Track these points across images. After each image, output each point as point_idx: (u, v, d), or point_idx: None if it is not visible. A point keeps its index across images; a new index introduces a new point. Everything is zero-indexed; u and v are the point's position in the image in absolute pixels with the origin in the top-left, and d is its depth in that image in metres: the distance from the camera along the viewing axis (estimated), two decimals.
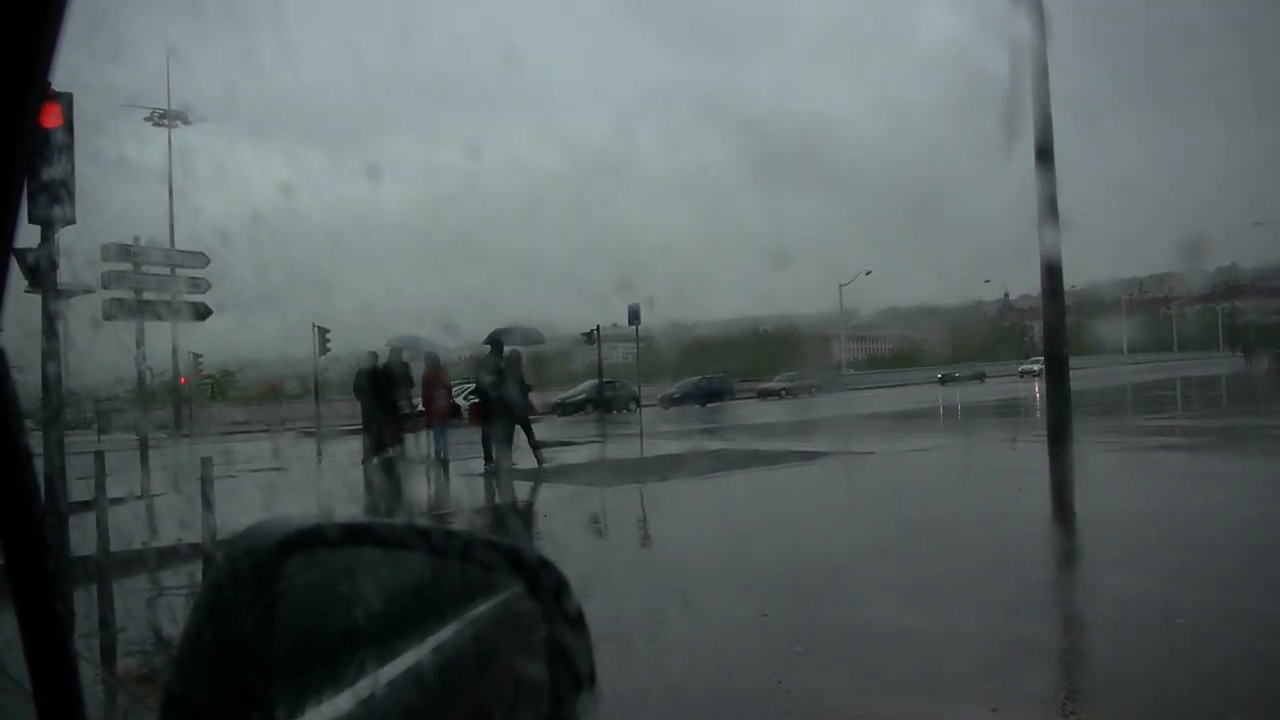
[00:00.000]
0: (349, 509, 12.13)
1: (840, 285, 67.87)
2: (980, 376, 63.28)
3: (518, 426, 14.65)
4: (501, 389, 14.13)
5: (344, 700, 1.02)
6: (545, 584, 1.13)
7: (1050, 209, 12.91)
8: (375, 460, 15.15)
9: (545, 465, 14.62)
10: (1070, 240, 13.24)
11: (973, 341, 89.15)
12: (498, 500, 12.00)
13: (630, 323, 23.67)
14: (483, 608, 1.26)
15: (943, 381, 59.34)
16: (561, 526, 9.90)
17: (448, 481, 14.11)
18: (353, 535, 1.07)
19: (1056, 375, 13.55)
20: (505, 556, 1.16)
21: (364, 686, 1.06)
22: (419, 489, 13.30)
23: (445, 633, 1.19)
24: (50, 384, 5.87)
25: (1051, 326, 14.08)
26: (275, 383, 35.54)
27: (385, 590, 1.16)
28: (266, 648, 0.86)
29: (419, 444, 15.94)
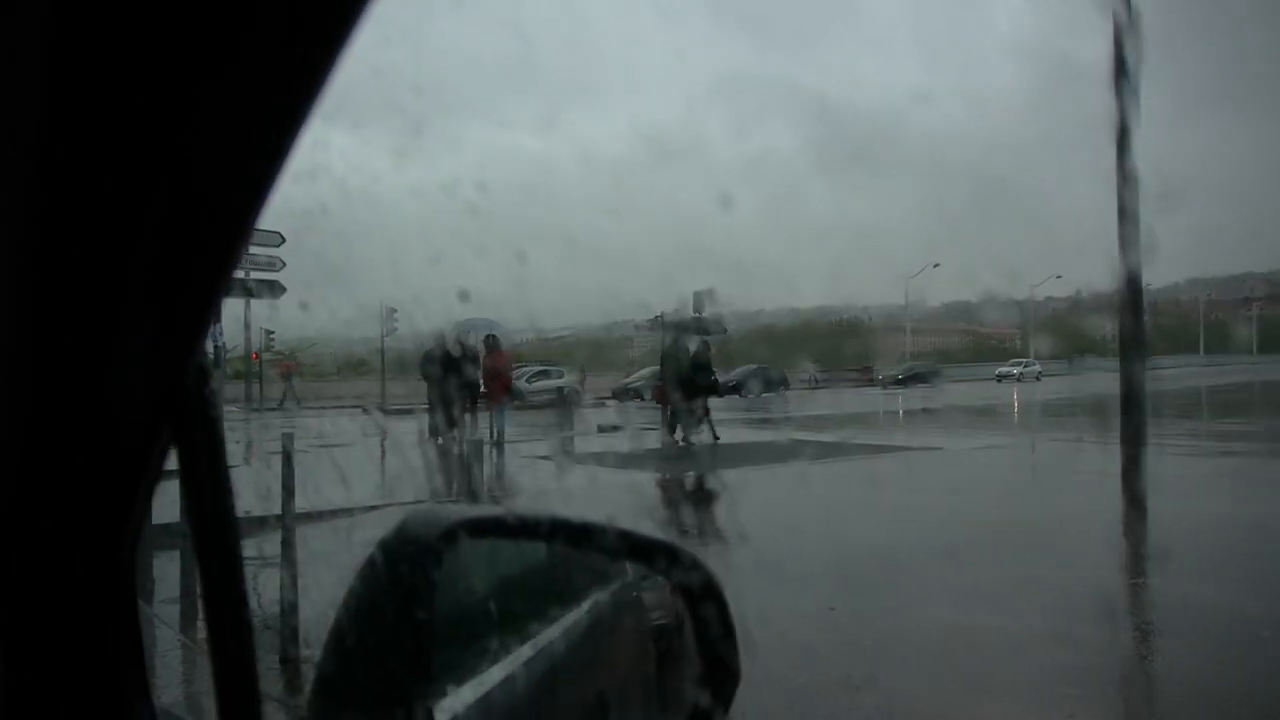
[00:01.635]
0: (415, 488, 12.34)
1: (908, 278, 66.99)
2: (927, 377, 51.77)
3: (701, 402, 16.27)
4: (689, 372, 15.94)
5: (470, 689, 1.04)
6: (685, 575, 1.14)
7: (1129, 208, 12.56)
8: (441, 440, 15.43)
9: (719, 441, 15.92)
10: (1148, 239, 12.84)
11: (1043, 337, 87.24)
12: (691, 474, 13.16)
13: (694, 310, 23.65)
14: (605, 591, 1.28)
15: (883, 385, 49.94)
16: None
17: (504, 462, 14.37)
18: (507, 528, 1.09)
19: (1133, 377, 13.23)
20: (640, 547, 1.17)
21: (493, 674, 1.08)
22: (483, 469, 13.52)
23: (572, 616, 1.21)
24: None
25: (1128, 328, 13.75)
26: (289, 363, 34.27)
27: (516, 578, 1.19)
28: (423, 643, 0.88)
29: (479, 424, 16.21)
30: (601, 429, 19.21)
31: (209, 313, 0.62)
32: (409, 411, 24.62)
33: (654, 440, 16.56)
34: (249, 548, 7.60)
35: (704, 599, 1.11)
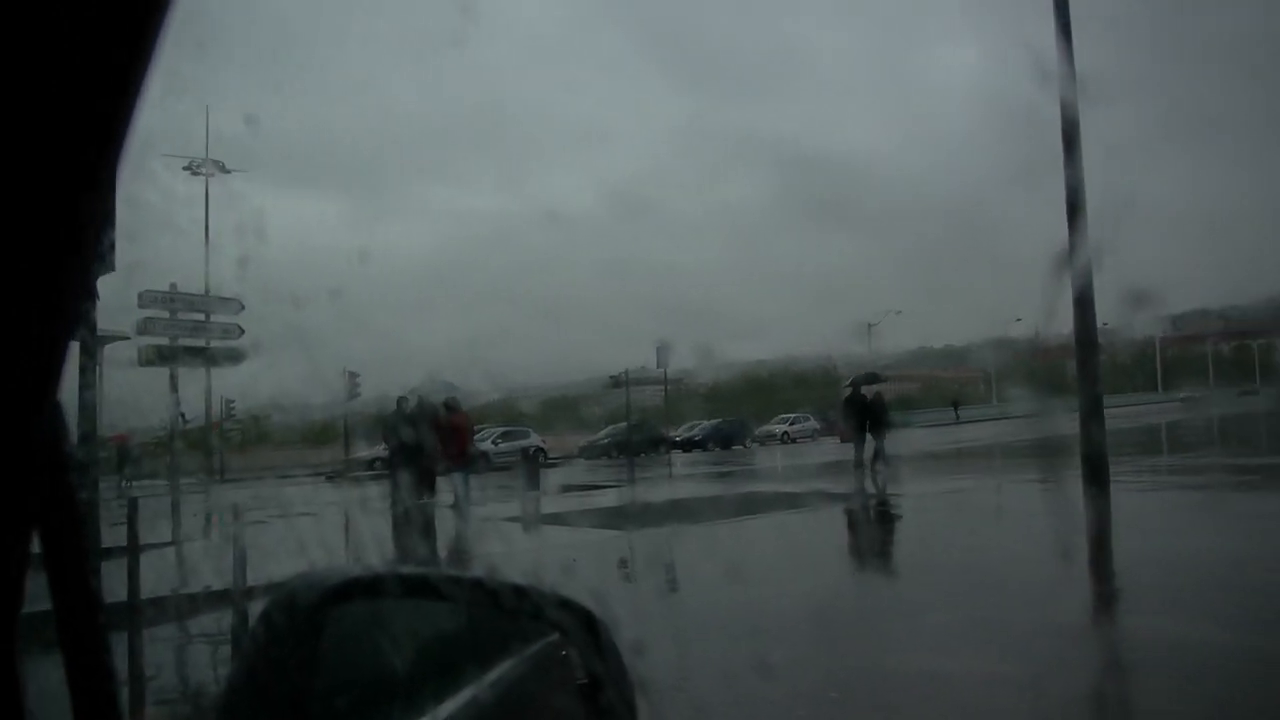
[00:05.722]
0: (378, 556, 12.13)
1: (869, 325, 67.63)
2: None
3: (878, 442, 19.37)
4: (867, 417, 19.41)
5: None
6: (584, 630, 1.11)
7: (1081, 248, 12.85)
8: (404, 506, 15.21)
9: (886, 470, 18.57)
10: (1102, 277, 13.14)
11: (1004, 381, 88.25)
12: (869, 494, 16.15)
13: (658, 365, 23.77)
14: (521, 655, 1.24)
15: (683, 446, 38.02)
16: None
17: (465, 525, 14.17)
18: (394, 586, 1.06)
19: (1091, 415, 13.45)
20: (543, 604, 1.14)
21: None
22: (446, 534, 13.33)
23: (484, 681, 1.17)
24: (86, 433, 5.93)
25: (1085, 367, 14.02)
26: (124, 434, 26.29)
27: (424, 639, 1.15)
28: (310, 699, 0.84)
29: (444, 488, 16.01)
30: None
31: (52, 371, 0.59)
32: (369, 478, 24.37)
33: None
34: (209, 623, 7.40)
35: (598, 653, 1.08)
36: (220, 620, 7.16)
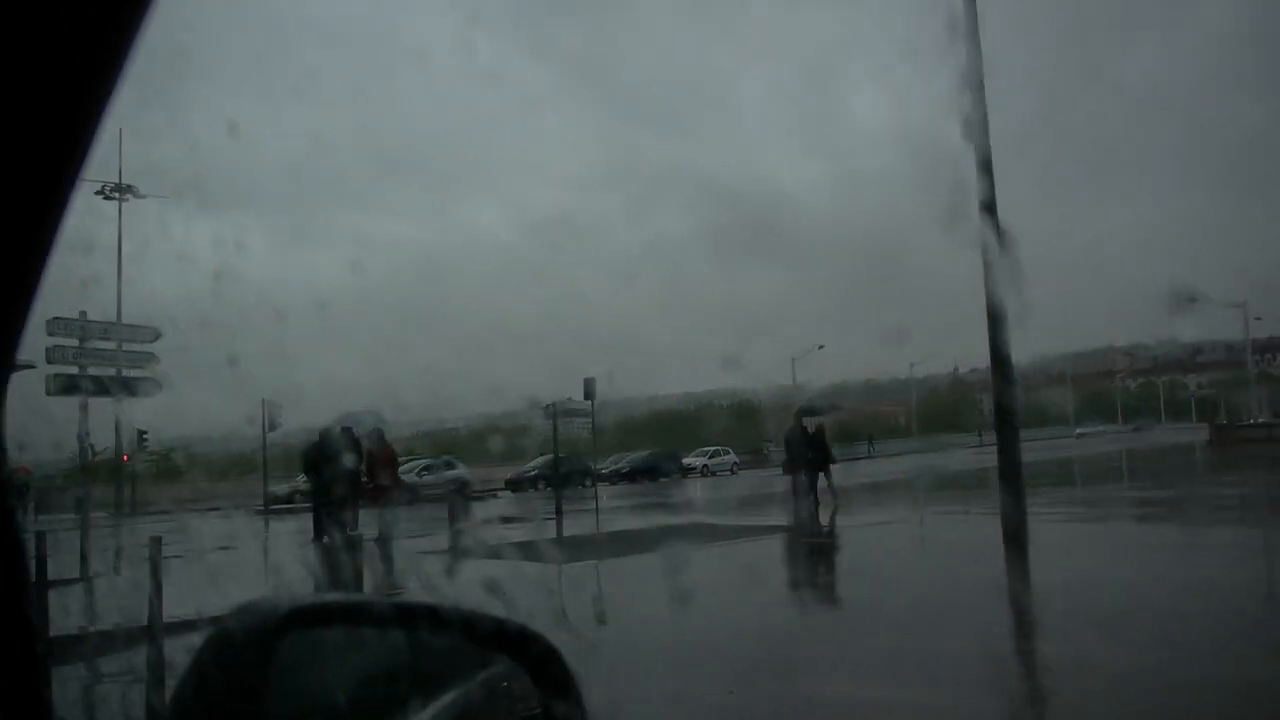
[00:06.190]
0: (299, 589, 11.80)
1: (792, 359, 68.37)
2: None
3: (820, 474, 19.62)
4: (809, 449, 19.74)
5: None
6: (536, 657, 1.11)
7: (996, 286, 13.24)
8: (325, 539, 14.87)
9: (837, 502, 18.99)
10: (1017, 314, 13.55)
11: (923, 414, 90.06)
12: (817, 525, 16.58)
13: (585, 397, 23.64)
14: (472, 682, 1.23)
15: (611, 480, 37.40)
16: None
17: (390, 559, 13.85)
18: (347, 613, 1.05)
19: (1008, 448, 13.79)
20: (494, 631, 1.13)
21: None
22: (369, 568, 13.02)
23: (435, 708, 1.16)
24: None
25: (1001, 401, 14.41)
26: (25, 466, 23.49)
27: (372, 668, 1.14)
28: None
29: (365, 520, 15.68)
30: None
31: None
32: (289, 511, 23.76)
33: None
34: (120, 662, 7.10)
35: (556, 684, 1.08)
36: (131, 659, 6.89)
